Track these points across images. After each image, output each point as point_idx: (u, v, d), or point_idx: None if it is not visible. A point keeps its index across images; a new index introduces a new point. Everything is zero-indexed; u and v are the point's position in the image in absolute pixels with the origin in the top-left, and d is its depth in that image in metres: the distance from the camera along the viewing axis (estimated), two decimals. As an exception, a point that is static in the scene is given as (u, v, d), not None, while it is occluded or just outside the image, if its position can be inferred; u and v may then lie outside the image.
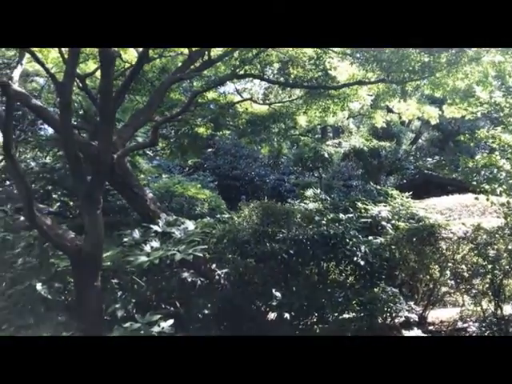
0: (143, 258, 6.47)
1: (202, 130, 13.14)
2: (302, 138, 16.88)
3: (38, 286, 6.41)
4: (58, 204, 12.78)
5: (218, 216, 8.75)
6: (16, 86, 6.82)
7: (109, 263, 6.84)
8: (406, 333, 6.62)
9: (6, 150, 6.00)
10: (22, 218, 7.94)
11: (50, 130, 15.43)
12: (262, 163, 21.62)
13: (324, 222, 7.63)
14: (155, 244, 6.92)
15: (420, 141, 28.14)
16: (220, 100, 12.63)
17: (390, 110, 15.65)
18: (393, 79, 10.17)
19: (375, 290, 6.87)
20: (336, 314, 6.87)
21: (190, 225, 7.76)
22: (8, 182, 17.21)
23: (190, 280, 6.94)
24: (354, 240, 7.22)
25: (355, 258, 7.04)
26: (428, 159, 22.13)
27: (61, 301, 7.09)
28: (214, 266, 7.50)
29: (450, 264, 7.36)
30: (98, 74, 9.44)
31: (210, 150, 19.08)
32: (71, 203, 12.71)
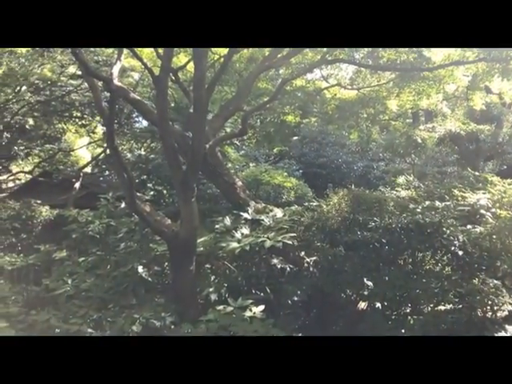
0: (234, 244, 6.66)
1: (290, 118, 13.13)
2: (393, 123, 16.22)
3: (140, 269, 6.85)
4: (152, 192, 13.52)
5: (306, 204, 8.69)
6: (116, 82, 7.23)
7: (202, 248, 7.13)
8: (509, 328, 6.19)
9: (110, 141, 6.45)
10: (123, 205, 8.48)
11: (145, 123, 16.32)
12: (349, 150, 21.07)
13: (419, 210, 7.29)
14: (245, 231, 7.09)
15: (524, 123, 25.92)
16: (308, 87, 12.52)
17: (489, 91, 14.55)
18: (495, 57, 9.44)
19: (474, 281, 6.47)
20: (431, 306, 6.61)
21: (279, 212, 7.83)
22: (107, 172, 18.53)
23: (279, 267, 7.01)
24: (452, 229, 6.83)
25: (452, 248, 6.68)
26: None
27: (159, 283, 7.52)
28: (302, 253, 7.50)
29: (560, 256, 6.77)
30: (189, 66, 9.79)
31: (295, 137, 18.96)
32: (165, 192, 13.40)
